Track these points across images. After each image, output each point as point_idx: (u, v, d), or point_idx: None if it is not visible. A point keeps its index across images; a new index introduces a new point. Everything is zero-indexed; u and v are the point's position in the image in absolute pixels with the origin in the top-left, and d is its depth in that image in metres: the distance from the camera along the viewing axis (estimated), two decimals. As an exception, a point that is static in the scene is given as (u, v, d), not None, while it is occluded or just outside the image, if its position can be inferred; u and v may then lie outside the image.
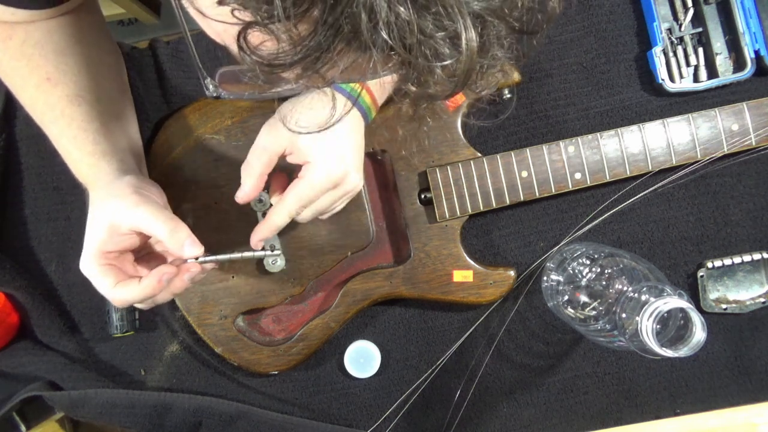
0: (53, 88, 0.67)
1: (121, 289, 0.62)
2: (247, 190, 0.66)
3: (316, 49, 0.34)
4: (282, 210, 0.66)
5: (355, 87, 0.66)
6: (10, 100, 0.81)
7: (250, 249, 0.68)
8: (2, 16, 0.65)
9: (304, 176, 0.65)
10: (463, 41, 0.34)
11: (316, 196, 0.66)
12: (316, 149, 0.64)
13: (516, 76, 0.75)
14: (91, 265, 0.62)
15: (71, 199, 0.82)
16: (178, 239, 0.61)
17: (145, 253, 0.67)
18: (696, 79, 0.78)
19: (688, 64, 0.78)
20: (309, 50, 0.34)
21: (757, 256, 0.78)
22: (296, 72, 0.36)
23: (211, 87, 0.44)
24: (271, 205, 0.76)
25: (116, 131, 0.70)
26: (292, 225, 0.77)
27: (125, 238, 0.63)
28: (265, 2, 0.32)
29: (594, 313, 0.70)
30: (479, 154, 0.76)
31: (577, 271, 0.72)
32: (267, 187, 0.77)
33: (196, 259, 0.63)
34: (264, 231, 0.67)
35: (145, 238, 0.65)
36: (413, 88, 0.38)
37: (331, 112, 0.44)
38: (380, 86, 0.70)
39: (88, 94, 0.68)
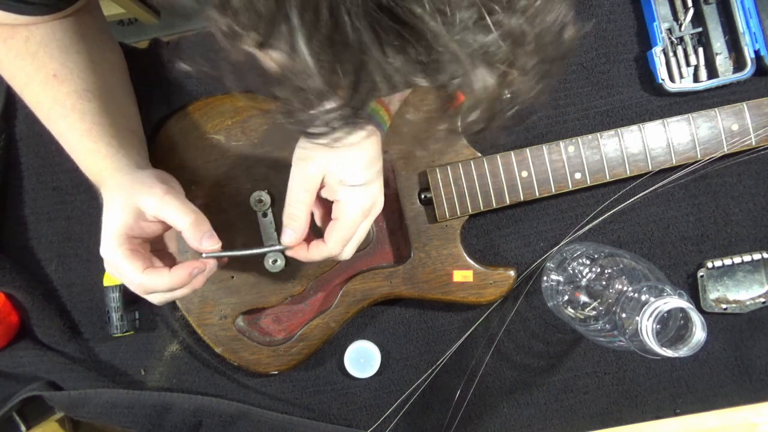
0: (60, 84, 0.66)
1: (150, 275, 0.61)
2: (297, 238, 0.65)
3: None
4: (323, 252, 0.65)
5: (375, 107, 0.66)
6: (11, 100, 0.80)
7: (257, 247, 0.68)
8: (4, 20, 0.65)
9: (339, 217, 0.65)
10: (479, 87, 0.36)
11: (353, 231, 0.65)
12: (345, 184, 0.64)
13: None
14: (116, 249, 0.61)
15: (71, 199, 0.82)
16: (198, 231, 0.62)
17: (155, 250, 0.67)
18: (696, 79, 0.78)
19: (688, 64, 0.78)
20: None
21: (757, 256, 0.78)
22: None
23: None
24: (272, 205, 0.77)
25: (126, 128, 0.69)
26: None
27: (149, 224, 0.63)
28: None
29: (594, 313, 0.70)
30: (479, 154, 0.76)
31: (577, 271, 0.72)
32: (266, 188, 0.77)
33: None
34: (300, 258, 0.67)
35: (164, 229, 0.65)
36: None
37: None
38: (395, 100, 0.70)
39: (97, 91, 0.68)
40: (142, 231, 0.63)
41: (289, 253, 0.66)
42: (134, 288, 0.63)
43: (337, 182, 0.64)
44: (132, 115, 0.73)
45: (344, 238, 0.65)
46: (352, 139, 0.40)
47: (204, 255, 0.63)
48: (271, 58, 0.36)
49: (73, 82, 0.67)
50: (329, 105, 0.36)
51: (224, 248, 0.65)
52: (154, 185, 0.63)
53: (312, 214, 0.67)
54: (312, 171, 0.64)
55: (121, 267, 0.62)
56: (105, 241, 0.62)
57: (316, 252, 0.65)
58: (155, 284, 0.62)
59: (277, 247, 0.66)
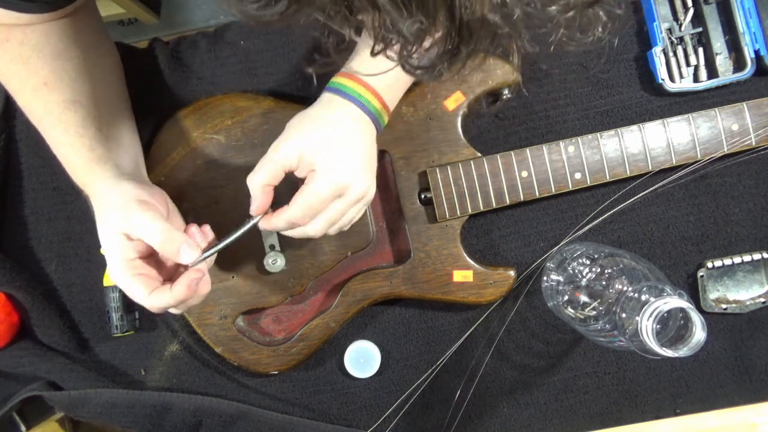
0: (50, 93, 0.67)
1: (156, 297, 0.62)
2: (258, 204, 0.65)
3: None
4: (283, 216, 0.65)
5: (364, 93, 0.66)
6: (10, 101, 0.81)
7: (235, 231, 0.66)
8: (3, 20, 0.65)
9: (308, 184, 0.64)
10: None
11: (321, 205, 0.64)
12: (320, 157, 0.64)
13: (516, 76, 0.75)
14: (123, 276, 0.63)
15: (71, 199, 0.82)
16: (171, 247, 0.62)
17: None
18: (696, 79, 0.78)
19: (688, 64, 0.78)
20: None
21: (757, 256, 0.78)
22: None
23: None
24: (272, 205, 0.77)
25: (113, 136, 0.70)
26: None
27: (139, 242, 0.63)
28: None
29: (594, 313, 0.70)
30: (479, 154, 0.76)
31: (577, 271, 0.72)
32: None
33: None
34: (263, 225, 0.67)
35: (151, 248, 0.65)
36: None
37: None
38: (391, 90, 0.70)
39: (84, 99, 0.68)
40: (137, 251, 0.63)
41: (260, 224, 0.66)
42: (148, 308, 0.63)
43: (314, 162, 0.64)
44: (123, 120, 0.73)
45: (308, 205, 0.64)
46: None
47: (190, 264, 0.63)
48: (365, 23, 0.37)
49: (62, 91, 0.67)
50: (429, 43, 0.36)
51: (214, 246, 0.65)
52: (126, 204, 0.63)
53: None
54: (289, 148, 0.64)
55: (129, 292, 0.63)
56: (110, 267, 0.64)
57: (279, 219, 0.65)
58: (162, 303, 0.63)
59: (252, 222, 0.66)
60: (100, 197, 0.66)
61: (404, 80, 0.72)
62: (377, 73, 0.65)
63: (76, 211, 0.82)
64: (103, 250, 0.65)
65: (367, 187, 0.66)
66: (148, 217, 0.62)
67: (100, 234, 0.65)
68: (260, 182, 0.64)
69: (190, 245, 0.62)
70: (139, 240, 0.63)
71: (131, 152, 0.72)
